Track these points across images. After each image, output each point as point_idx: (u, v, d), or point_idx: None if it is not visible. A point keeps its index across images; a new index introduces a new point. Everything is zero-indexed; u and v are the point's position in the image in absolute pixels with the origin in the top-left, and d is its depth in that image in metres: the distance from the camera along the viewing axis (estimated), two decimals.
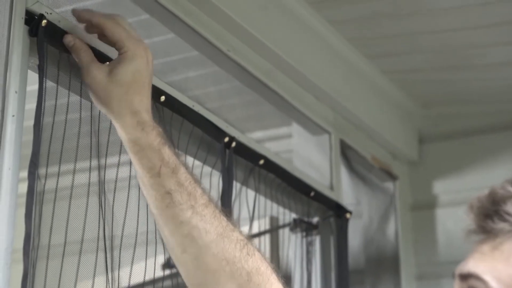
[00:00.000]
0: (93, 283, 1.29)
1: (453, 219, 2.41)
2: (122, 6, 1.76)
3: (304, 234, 2.04)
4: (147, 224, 1.36)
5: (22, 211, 1.14)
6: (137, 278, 1.42)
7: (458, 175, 2.47)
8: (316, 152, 2.16)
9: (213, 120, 1.67)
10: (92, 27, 1.28)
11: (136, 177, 1.23)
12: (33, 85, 1.23)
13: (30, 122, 1.21)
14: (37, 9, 1.24)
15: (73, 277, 1.26)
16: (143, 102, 1.22)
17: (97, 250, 1.29)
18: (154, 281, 1.39)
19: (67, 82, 1.28)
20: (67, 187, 1.27)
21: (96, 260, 1.29)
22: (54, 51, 1.26)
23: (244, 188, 1.82)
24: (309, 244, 2.04)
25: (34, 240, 1.15)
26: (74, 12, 1.27)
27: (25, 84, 1.20)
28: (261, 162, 1.83)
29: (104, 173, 1.32)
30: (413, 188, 2.53)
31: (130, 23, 1.28)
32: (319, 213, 2.07)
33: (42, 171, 1.20)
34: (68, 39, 1.25)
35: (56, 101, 1.24)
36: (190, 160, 1.61)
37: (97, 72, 1.21)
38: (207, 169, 1.67)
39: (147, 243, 1.37)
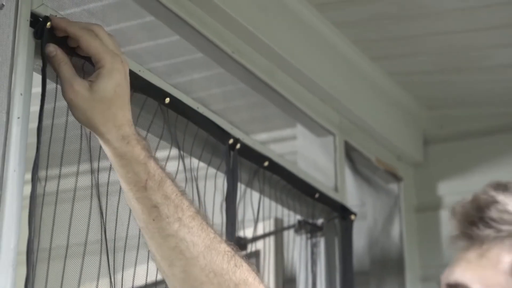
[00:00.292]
0: (96, 286, 1.29)
1: None
2: (126, 8, 1.77)
3: (308, 235, 2.04)
4: None
5: (27, 213, 1.14)
6: (139, 281, 1.42)
7: (463, 177, 2.47)
8: (320, 154, 2.16)
9: (217, 122, 1.67)
10: (70, 38, 1.25)
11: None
12: (38, 87, 1.23)
13: (35, 124, 1.21)
14: (42, 11, 1.24)
15: (74, 279, 1.26)
16: (126, 116, 1.21)
17: (100, 252, 1.29)
18: (156, 283, 1.39)
19: None
20: (68, 189, 1.27)
21: (99, 262, 1.29)
22: None
23: (248, 190, 1.82)
24: (314, 246, 2.04)
25: (34, 243, 1.15)
26: (52, 21, 1.24)
27: (30, 86, 1.21)
28: (266, 163, 1.83)
29: (109, 175, 1.32)
30: (417, 189, 2.53)
31: (109, 33, 1.26)
32: (324, 214, 2.07)
33: (42, 173, 1.21)
34: (50, 49, 1.22)
35: (55, 103, 1.24)
36: (195, 162, 1.62)
37: (80, 88, 1.19)
38: (211, 170, 1.67)
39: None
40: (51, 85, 1.24)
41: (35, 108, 1.22)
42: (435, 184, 2.51)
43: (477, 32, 2.08)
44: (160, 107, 1.51)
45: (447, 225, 2.48)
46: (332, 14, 2.03)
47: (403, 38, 2.13)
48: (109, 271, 1.30)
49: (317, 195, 2.01)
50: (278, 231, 2.04)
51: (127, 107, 1.22)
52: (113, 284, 1.31)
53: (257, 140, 1.96)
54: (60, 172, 1.25)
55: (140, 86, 1.45)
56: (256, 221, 1.85)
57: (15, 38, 1.19)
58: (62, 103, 1.25)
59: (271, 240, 2.03)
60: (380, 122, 2.33)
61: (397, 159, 2.47)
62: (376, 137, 2.34)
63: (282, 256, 2.05)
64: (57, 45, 1.23)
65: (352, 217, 2.10)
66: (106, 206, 1.32)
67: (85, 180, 1.30)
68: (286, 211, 1.98)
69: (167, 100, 1.51)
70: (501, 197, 0.96)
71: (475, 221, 0.95)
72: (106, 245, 1.30)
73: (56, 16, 1.25)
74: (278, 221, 2.02)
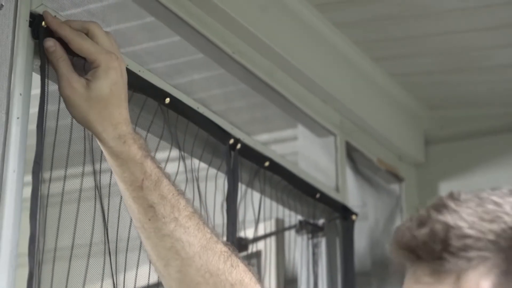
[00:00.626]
0: (100, 287, 1.29)
1: None
2: (127, 9, 1.76)
3: (310, 236, 2.04)
4: None
5: (26, 214, 1.14)
6: (142, 282, 1.42)
7: (464, 177, 2.47)
8: (321, 154, 2.16)
9: (218, 122, 1.67)
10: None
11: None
12: (38, 88, 1.23)
13: (35, 125, 1.21)
14: (42, 11, 1.24)
15: (78, 280, 1.26)
16: (123, 114, 1.20)
17: (104, 254, 1.29)
18: (158, 284, 1.39)
19: None
20: (71, 190, 1.27)
21: (103, 263, 1.29)
22: None
23: (249, 190, 1.82)
24: (315, 246, 2.04)
25: (39, 243, 1.15)
26: (45, 20, 1.23)
27: (29, 86, 1.21)
28: (267, 164, 1.83)
29: (111, 176, 1.32)
30: (419, 190, 2.53)
31: (107, 31, 1.25)
32: (325, 215, 2.06)
33: (46, 175, 1.21)
34: (49, 44, 1.21)
35: (59, 105, 1.24)
36: (195, 162, 1.62)
37: (77, 85, 1.19)
38: (212, 171, 1.67)
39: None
40: (55, 86, 1.24)
41: (35, 109, 1.22)
42: (436, 184, 2.51)
43: (477, 32, 2.08)
44: (160, 107, 1.51)
45: None
46: (333, 14, 2.03)
47: (404, 38, 2.13)
48: (112, 272, 1.30)
49: (318, 196, 2.01)
50: (279, 232, 2.04)
51: (124, 105, 1.21)
52: (115, 285, 1.31)
53: (258, 140, 1.96)
54: (65, 173, 1.25)
55: (140, 86, 1.45)
56: (257, 222, 1.85)
57: (14, 38, 1.19)
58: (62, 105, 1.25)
59: (272, 241, 2.03)
60: (381, 123, 2.33)
61: (399, 160, 2.47)
62: (377, 137, 2.34)
63: (283, 256, 2.05)
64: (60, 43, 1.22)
65: (354, 217, 2.09)
66: (108, 207, 1.32)
67: (87, 182, 1.30)
68: (287, 211, 1.98)
69: (167, 100, 1.51)
70: (450, 220, 0.91)
71: (442, 256, 0.87)
72: (109, 246, 1.30)
73: (50, 15, 1.24)
74: (279, 222, 2.02)
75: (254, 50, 1.84)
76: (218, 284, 1.18)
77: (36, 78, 1.23)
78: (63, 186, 1.25)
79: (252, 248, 1.93)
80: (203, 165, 1.64)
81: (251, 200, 1.81)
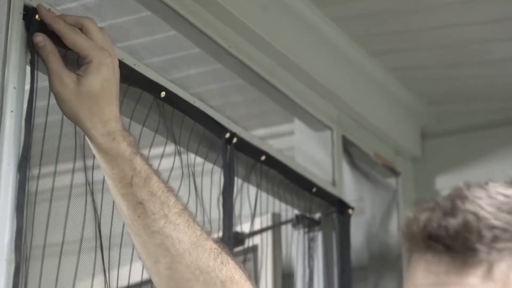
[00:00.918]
0: (91, 283, 1.29)
1: None
2: (122, 3, 1.76)
3: (306, 230, 2.04)
4: None
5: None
6: (134, 278, 1.41)
7: (461, 171, 2.47)
8: (318, 149, 2.16)
9: (214, 116, 1.67)
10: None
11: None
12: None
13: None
14: (35, 4, 1.24)
15: (68, 277, 1.26)
16: (113, 111, 1.20)
17: (95, 250, 1.29)
18: (151, 280, 1.39)
19: None
20: (62, 187, 1.27)
21: (94, 259, 1.29)
22: None
23: (245, 185, 1.82)
24: (311, 240, 2.04)
25: (27, 238, 1.15)
26: (39, 13, 1.22)
27: (23, 80, 1.20)
28: (263, 158, 1.82)
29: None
30: (416, 184, 2.53)
31: (101, 27, 1.24)
32: (322, 209, 2.06)
33: (35, 171, 1.20)
34: (38, 39, 1.21)
35: (49, 100, 1.23)
36: (191, 156, 1.61)
37: (68, 80, 1.18)
38: (208, 165, 1.67)
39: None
40: (47, 82, 1.24)
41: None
42: (433, 179, 2.51)
43: (476, 26, 2.08)
44: (156, 101, 1.50)
45: None
46: (330, 9, 2.02)
47: (401, 32, 2.13)
48: (104, 268, 1.30)
49: (314, 190, 2.01)
50: (275, 226, 2.04)
51: (115, 102, 1.21)
52: (107, 281, 1.31)
53: (255, 135, 1.96)
54: (55, 169, 1.25)
55: (135, 80, 1.45)
56: (253, 216, 1.85)
57: (8, 31, 1.18)
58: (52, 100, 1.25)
59: (268, 235, 2.03)
60: (378, 117, 2.33)
61: (395, 154, 2.47)
62: (374, 131, 2.34)
63: (280, 251, 2.05)
64: (51, 38, 1.22)
65: (350, 211, 2.09)
66: (101, 203, 1.32)
67: (78, 178, 1.30)
68: (283, 205, 1.97)
69: (163, 94, 1.51)
70: (478, 211, 0.91)
71: (476, 246, 0.86)
72: (101, 242, 1.30)
73: (44, 8, 1.24)
74: (275, 216, 2.02)
75: (250, 44, 1.84)
76: (209, 281, 1.18)
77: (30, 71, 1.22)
78: (53, 182, 1.25)
79: (249, 243, 1.93)
80: (199, 160, 1.64)
81: (247, 195, 1.81)
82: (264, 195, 1.88)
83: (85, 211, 1.29)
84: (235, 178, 1.71)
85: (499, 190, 0.92)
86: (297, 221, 2.02)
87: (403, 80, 2.39)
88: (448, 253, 0.88)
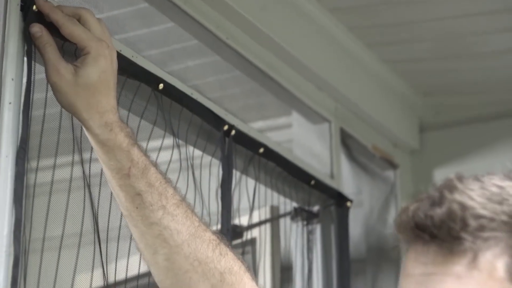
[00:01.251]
0: (91, 276, 1.28)
1: None
2: None
3: (305, 223, 2.04)
4: None
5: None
6: (132, 271, 1.41)
7: (459, 164, 2.47)
8: (316, 141, 2.16)
9: (212, 108, 1.66)
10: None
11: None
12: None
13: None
14: None
15: (67, 270, 1.26)
16: (110, 103, 1.20)
17: (94, 243, 1.29)
18: (149, 273, 1.39)
19: None
20: (59, 180, 1.26)
21: (93, 253, 1.29)
22: None
23: (244, 177, 1.81)
24: (310, 233, 2.04)
25: (25, 230, 1.15)
26: (37, 3, 1.21)
27: (21, 71, 1.19)
28: (261, 150, 1.82)
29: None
30: (414, 177, 2.53)
31: (99, 18, 1.24)
32: (320, 202, 2.06)
33: (33, 164, 1.20)
34: (35, 29, 1.20)
35: (47, 92, 1.23)
36: (190, 148, 1.61)
37: (65, 72, 1.18)
38: (207, 157, 1.66)
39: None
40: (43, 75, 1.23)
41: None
42: (431, 171, 2.51)
43: (473, 17, 2.07)
44: (154, 93, 1.50)
45: None
46: (328, 0, 2.02)
47: (399, 24, 2.13)
48: (102, 261, 1.30)
49: (313, 182, 2.00)
50: (274, 219, 2.03)
51: (112, 93, 1.21)
52: (106, 275, 1.31)
53: (253, 128, 1.95)
54: (55, 162, 1.25)
55: (133, 72, 1.44)
56: (251, 209, 1.84)
57: (5, 22, 1.18)
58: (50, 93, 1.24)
59: (267, 228, 2.03)
60: (376, 109, 2.32)
61: (393, 146, 2.47)
62: (372, 124, 2.33)
63: (278, 243, 2.04)
64: (49, 28, 1.21)
65: (348, 204, 2.09)
66: (99, 197, 1.31)
67: (76, 171, 1.29)
68: (282, 198, 1.97)
69: (161, 86, 1.50)
70: (466, 201, 0.91)
71: (461, 235, 0.88)
72: (98, 235, 1.30)
73: None
74: (274, 209, 2.02)
75: (248, 36, 1.84)
76: (207, 272, 1.18)
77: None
78: (53, 175, 1.24)
79: (247, 235, 1.92)
80: (197, 152, 1.64)
81: (246, 187, 1.81)
82: (262, 187, 1.87)
83: (83, 205, 1.29)
84: (234, 171, 1.71)
85: (494, 182, 0.93)
86: (295, 214, 2.02)
87: (400, 72, 2.39)
88: (434, 242, 0.90)
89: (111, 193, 1.24)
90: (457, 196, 0.90)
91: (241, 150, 1.78)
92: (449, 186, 0.92)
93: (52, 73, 1.18)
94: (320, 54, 2.09)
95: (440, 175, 2.51)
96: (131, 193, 1.18)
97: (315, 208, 2.05)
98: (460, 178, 0.93)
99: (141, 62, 1.47)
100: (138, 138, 1.25)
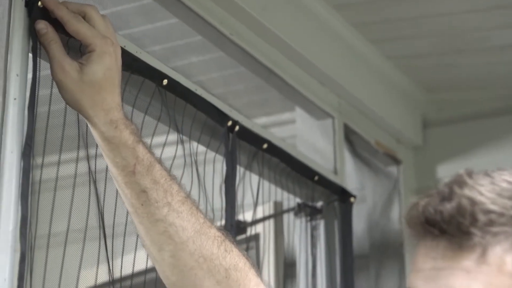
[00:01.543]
0: (96, 272, 1.29)
1: None
2: None
3: (308, 218, 2.04)
4: None
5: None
6: (139, 266, 1.41)
7: (462, 160, 2.47)
8: (320, 137, 2.16)
9: (216, 103, 1.66)
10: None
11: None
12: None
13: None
14: None
15: (73, 265, 1.26)
16: (115, 100, 1.20)
17: (99, 239, 1.29)
18: (155, 268, 1.39)
19: None
20: (64, 176, 1.27)
21: (98, 248, 1.29)
22: None
23: (248, 173, 1.81)
24: (314, 229, 2.04)
25: (31, 226, 1.15)
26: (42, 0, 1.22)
27: (26, 67, 1.20)
28: (265, 146, 1.82)
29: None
30: (417, 172, 2.53)
31: (103, 15, 1.24)
32: (323, 197, 2.06)
33: (38, 160, 1.20)
34: (40, 26, 1.20)
35: (51, 89, 1.23)
36: (194, 144, 1.61)
37: (70, 69, 1.18)
38: (211, 153, 1.66)
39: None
40: (49, 71, 1.23)
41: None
42: (434, 167, 2.51)
43: (476, 13, 2.07)
44: (158, 89, 1.50)
45: None
46: None
47: (402, 20, 2.12)
48: (107, 257, 1.30)
49: (316, 178, 2.00)
50: (277, 214, 2.04)
51: (117, 91, 1.21)
52: (111, 270, 1.31)
53: (257, 123, 1.95)
54: (59, 159, 1.25)
55: (137, 67, 1.44)
56: (255, 204, 1.84)
57: (10, 18, 1.18)
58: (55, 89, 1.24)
59: (270, 223, 2.03)
60: (380, 105, 2.32)
61: (397, 142, 2.47)
62: (376, 120, 2.33)
63: (282, 239, 2.05)
64: (53, 25, 1.21)
65: (352, 199, 2.09)
66: (105, 192, 1.32)
67: (82, 167, 1.30)
68: (285, 194, 1.97)
69: (165, 81, 1.50)
70: (475, 196, 0.92)
71: (470, 230, 0.89)
72: (104, 231, 1.30)
73: None
74: (277, 204, 2.02)
75: (252, 32, 1.84)
76: (212, 268, 1.18)
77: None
78: (57, 171, 1.25)
79: (251, 231, 1.92)
80: (201, 148, 1.64)
81: (250, 183, 1.81)
82: (266, 183, 1.87)
83: (89, 200, 1.29)
84: (237, 167, 1.71)
85: (504, 178, 0.94)
86: (299, 210, 2.02)
87: (404, 68, 2.39)
88: (444, 237, 0.91)
89: (116, 189, 1.24)
90: (467, 191, 0.90)
91: (244, 146, 1.78)
92: (459, 182, 0.92)
93: (57, 71, 1.18)
94: (324, 50, 2.09)
95: (443, 171, 2.51)
96: (136, 190, 1.18)
97: (319, 204, 2.05)
98: (470, 173, 0.94)
99: (145, 58, 1.47)
100: (142, 134, 1.25)
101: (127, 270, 1.38)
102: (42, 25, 1.20)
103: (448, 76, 2.43)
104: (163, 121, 1.52)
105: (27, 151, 1.15)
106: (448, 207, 0.90)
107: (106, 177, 1.29)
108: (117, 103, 1.20)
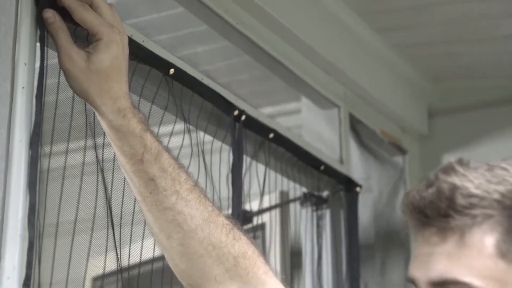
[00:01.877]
0: (104, 260, 1.29)
1: None
2: None
3: (314, 208, 2.04)
4: None
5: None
6: (146, 255, 1.42)
7: (468, 149, 2.46)
8: (325, 126, 2.16)
9: (222, 93, 1.66)
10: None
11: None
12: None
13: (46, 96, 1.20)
14: None
15: (81, 254, 1.26)
16: (122, 88, 1.20)
17: (107, 228, 1.30)
18: (163, 257, 1.39)
19: None
20: (72, 165, 1.27)
21: (106, 237, 1.29)
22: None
23: (254, 163, 1.81)
24: (319, 218, 2.04)
25: (39, 215, 1.15)
26: None
27: (34, 56, 1.20)
28: (271, 135, 1.82)
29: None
30: (422, 162, 2.53)
31: (110, 4, 1.23)
32: (329, 187, 2.06)
33: (46, 149, 1.20)
34: (48, 15, 1.20)
35: (59, 78, 1.23)
36: (200, 134, 1.61)
37: (77, 58, 1.18)
38: (217, 143, 1.67)
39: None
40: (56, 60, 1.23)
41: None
42: (440, 156, 2.51)
43: (482, 1, 2.06)
44: (165, 78, 1.50)
45: None
46: None
47: (408, 8, 2.12)
48: (115, 245, 1.30)
49: (322, 168, 2.00)
50: (283, 204, 2.04)
51: (124, 79, 1.21)
52: (119, 258, 1.32)
53: (263, 113, 1.95)
54: (67, 148, 1.25)
55: (143, 57, 1.44)
56: (262, 194, 1.85)
57: (18, 7, 1.18)
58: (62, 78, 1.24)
59: (276, 213, 2.03)
60: (385, 94, 2.32)
61: (402, 132, 2.47)
62: (381, 109, 2.33)
63: (288, 228, 2.05)
64: (60, 13, 1.21)
65: (358, 189, 2.09)
66: (112, 181, 1.32)
67: (90, 156, 1.30)
68: (291, 183, 1.97)
69: (172, 71, 1.50)
70: (457, 181, 0.93)
71: (448, 213, 0.91)
72: (112, 220, 1.30)
73: None
74: (283, 194, 2.02)
75: (258, 21, 1.83)
76: (221, 256, 1.18)
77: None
78: (65, 160, 1.25)
79: (257, 221, 1.93)
80: (208, 138, 1.64)
81: (256, 172, 1.81)
82: (272, 173, 1.88)
83: (96, 189, 1.29)
84: (244, 156, 1.71)
85: (501, 165, 0.96)
86: (305, 199, 2.02)
87: (409, 57, 2.38)
88: (430, 223, 0.93)
89: (124, 178, 1.24)
90: (450, 178, 0.92)
91: (251, 136, 1.78)
92: (446, 169, 0.95)
93: (65, 60, 1.18)
94: (329, 39, 2.09)
95: (449, 160, 2.50)
96: (145, 179, 1.18)
97: (325, 194, 2.06)
98: (462, 162, 0.96)
99: (152, 47, 1.47)
100: (149, 123, 1.25)
101: (134, 259, 1.39)
102: (50, 14, 1.20)
103: (454, 65, 2.43)
104: (170, 111, 1.52)
105: (35, 140, 1.15)
106: (430, 192, 0.93)
107: (113, 166, 1.29)
108: (124, 91, 1.20)
